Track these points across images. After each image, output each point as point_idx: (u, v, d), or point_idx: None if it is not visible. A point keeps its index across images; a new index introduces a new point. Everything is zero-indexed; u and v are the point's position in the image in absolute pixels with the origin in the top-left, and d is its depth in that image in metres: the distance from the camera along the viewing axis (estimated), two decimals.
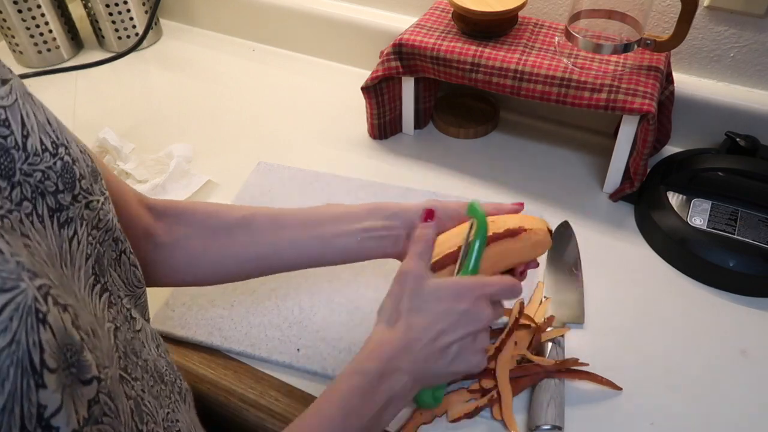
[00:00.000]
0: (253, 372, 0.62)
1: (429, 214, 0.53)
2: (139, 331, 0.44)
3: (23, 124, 0.34)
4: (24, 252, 0.29)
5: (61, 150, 0.36)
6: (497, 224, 0.53)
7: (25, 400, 0.26)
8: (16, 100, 0.34)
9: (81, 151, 0.39)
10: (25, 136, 0.34)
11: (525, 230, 0.53)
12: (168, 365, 0.48)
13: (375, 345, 0.47)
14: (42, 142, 0.35)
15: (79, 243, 0.37)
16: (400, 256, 0.54)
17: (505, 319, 0.60)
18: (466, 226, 0.53)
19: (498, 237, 0.52)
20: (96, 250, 0.39)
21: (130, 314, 0.43)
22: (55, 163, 0.35)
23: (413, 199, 0.79)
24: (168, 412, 0.45)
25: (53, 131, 0.36)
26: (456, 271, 0.51)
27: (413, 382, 0.46)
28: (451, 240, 0.53)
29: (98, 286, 0.39)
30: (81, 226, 0.37)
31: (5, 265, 0.26)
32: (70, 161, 0.37)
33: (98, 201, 0.39)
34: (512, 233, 0.52)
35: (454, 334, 0.46)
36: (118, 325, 0.40)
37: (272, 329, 0.64)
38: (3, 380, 0.25)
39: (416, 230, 0.52)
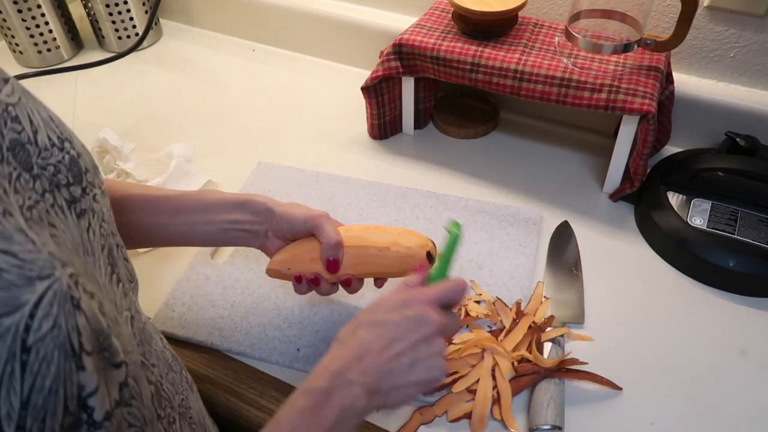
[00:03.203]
0: (253, 372, 0.62)
1: (422, 266, 0.55)
2: (144, 322, 0.45)
3: (31, 121, 0.34)
4: (52, 242, 0.30)
5: (67, 145, 0.37)
6: (376, 233, 0.58)
7: (68, 381, 0.27)
8: (20, 97, 0.35)
9: (82, 146, 0.40)
10: (35, 132, 0.34)
11: (392, 247, 0.57)
12: (173, 357, 0.49)
13: (325, 363, 0.46)
14: (49, 138, 0.35)
15: (94, 233, 0.37)
16: (261, 248, 0.60)
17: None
18: (315, 243, 0.57)
19: (368, 246, 0.57)
20: (108, 242, 0.40)
21: (136, 306, 0.44)
22: (63, 158, 0.36)
23: (413, 199, 0.79)
24: (182, 399, 0.46)
25: (56, 127, 0.37)
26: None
27: (367, 394, 0.44)
28: (306, 253, 0.57)
29: (114, 275, 0.40)
30: (93, 217, 0.38)
31: (39, 255, 0.27)
32: (76, 155, 0.38)
33: (99, 194, 0.40)
34: (382, 248, 0.57)
35: (406, 341, 0.46)
36: (133, 314, 0.41)
37: (272, 329, 0.64)
38: (49, 363, 0.26)
39: (408, 277, 0.53)
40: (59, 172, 0.35)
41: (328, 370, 0.45)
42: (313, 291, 0.59)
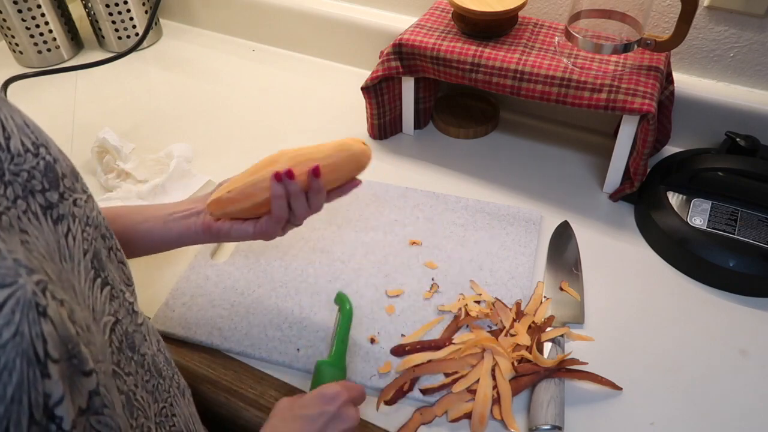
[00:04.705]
0: (253, 372, 0.62)
1: (283, 175, 0.55)
2: (140, 324, 0.44)
3: (3, 127, 0.34)
4: (20, 249, 0.30)
5: (42, 150, 0.37)
6: (308, 149, 0.57)
7: (32, 389, 0.27)
8: None
9: (60, 152, 0.39)
10: (7, 138, 0.34)
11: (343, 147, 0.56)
12: (166, 361, 0.48)
13: None
14: (23, 143, 0.35)
15: (74, 239, 0.37)
16: (204, 226, 0.58)
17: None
18: (257, 167, 0.57)
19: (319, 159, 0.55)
20: (93, 246, 0.39)
21: (133, 308, 0.44)
22: (38, 163, 0.36)
23: (413, 199, 0.79)
24: (163, 407, 0.45)
25: (31, 132, 0.36)
26: (328, 352, 0.58)
27: None
28: (243, 178, 0.57)
29: (99, 279, 0.39)
30: (74, 222, 0.37)
31: (2, 262, 0.27)
32: (52, 161, 0.37)
33: (82, 199, 0.39)
34: (318, 151, 0.56)
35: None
36: (120, 318, 0.41)
37: (272, 329, 0.65)
38: (11, 371, 0.26)
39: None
40: (33, 177, 0.35)
41: None
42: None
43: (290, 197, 0.55)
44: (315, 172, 0.55)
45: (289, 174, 0.54)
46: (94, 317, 0.37)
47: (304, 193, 0.56)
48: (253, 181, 0.56)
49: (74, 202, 0.38)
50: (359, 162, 0.57)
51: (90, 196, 0.41)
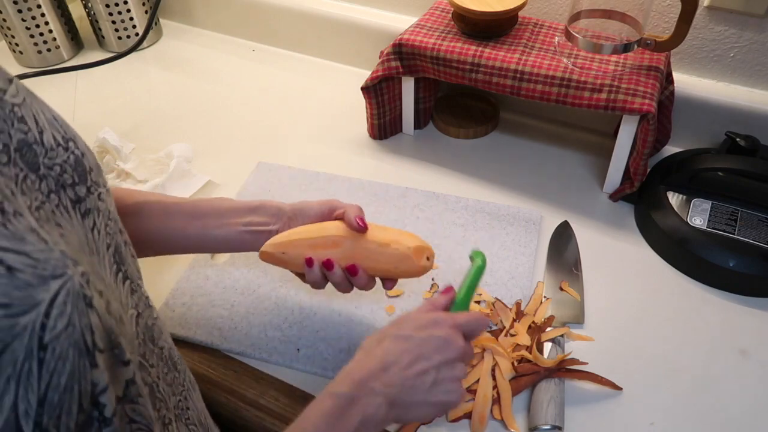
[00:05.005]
0: (253, 372, 0.62)
1: (449, 288, 0.54)
2: (156, 318, 0.45)
3: (36, 121, 0.35)
4: (62, 241, 0.30)
5: (71, 144, 0.37)
6: (376, 230, 0.57)
7: (82, 378, 0.28)
8: (25, 98, 0.35)
9: (86, 146, 0.40)
10: (41, 132, 0.34)
11: (392, 244, 0.56)
12: (179, 356, 0.49)
13: (350, 368, 0.47)
14: (54, 138, 0.36)
15: (99, 233, 0.38)
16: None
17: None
18: (326, 224, 0.58)
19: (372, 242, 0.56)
20: (114, 240, 0.40)
21: (149, 302, 0.44)
22: (68, 157, 0.36)
23: (413, 199, 0.79)
24: (180, 399, 0.46)
25: (61, 127, 0.37)
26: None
27: (388, 406, 0.45)
28: (309, 231, 0.57)
29: (120, 273, 0.40)
30: (98, 216, 0.38)
31: (51, 254, 0.28)
32: (80, 155, 0.38)
33: (104, 193, 0.40)
34: (382, 244, 0.56)
35: (431, 360, 0.47)
36: (140, 311, 0.41)
37: (272, 329, 0.65)
38: (65, 360, 0.27)
39: (434, 297, 0.53)
40: (65, 172, 0.35)
41: (352, 376, 0.46)
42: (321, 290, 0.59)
43: (329, 279, 0.57)
44: (351, 271, 0.56)
45: (328, 265, 0.55)
46: (122, 309, 0.37)
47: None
48: (303, 253, 0.56)
49: (99, 196, 0.39)
50: (414, 275, 0.57)
51: (109, 190, 0.41)
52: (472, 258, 0.56)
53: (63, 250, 0.29)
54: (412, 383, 0.46)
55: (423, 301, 0.53)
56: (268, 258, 0.58)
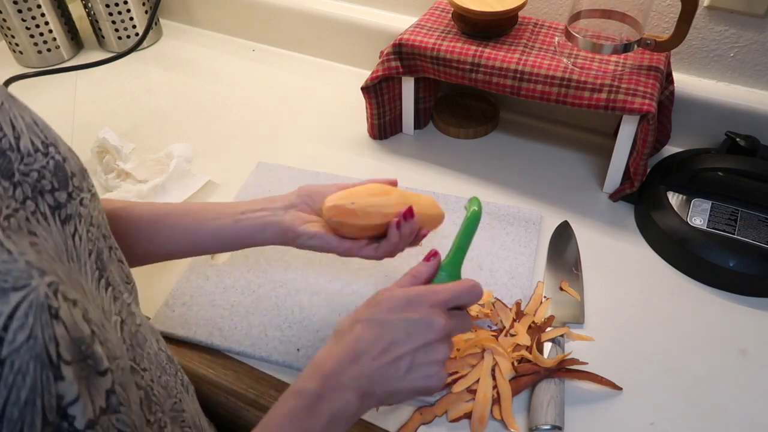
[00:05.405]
0: (253, 372, 0.62)
1: (432, 254, 0.52)
2: (140, 325, 0.44)
3: (13, 126, 0.34)
4: (31, 250, 0.30)
5: (51, 149, 0.36)
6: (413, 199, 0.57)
7: (45, 392, 0.27)
8: (2, 103, 0.34)
9: (68, 150, 0.39)
10: (17, 138, 0.34)
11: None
12: (168, 359, 0.48)
13: (318, 361, 0.45)
14: (33, 143, 0.35)
15: (80, 239, 0.37)
16: (279, 224, 0.56)
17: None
18: (371, 189, 0.56)
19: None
20: (96, 246, 0.39)
21: (130, 309, 0.44)
22: (48, 163, 0.35)
23: None
24: (175, 402, 0.45)
25: (41, 131, 0.36)
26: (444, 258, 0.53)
27: (360, 398, 0.43)
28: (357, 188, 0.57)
29: (103, 280, 0.39)
30: (80, 222, 0.37)
31: (15, 265, 0.27)
32: (61, 160, 0.37)
33: (87, 198, 0.39)
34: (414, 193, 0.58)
35: (406, 345, 0.44)
36: (123, 318, 0.41)
37: (272, 329, 0.65)
38: (24, 374, 0.26)
39: (416, 266, 0.51)
40: (43, 177, 0.35)
41: (320, 371, 0.44)
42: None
43: (402, 231, 0.56)
44: (408, 214, 0.55)
45: (410, 213, 0.55)
46: (104, 316, 0.37)
47: None
48: (376, 203, 0.55)
49: (81, 202, 0.38)
50: (436, 222, 0.61)
51: (94, 195, 0.41)
52: (466, 207, 0.54)
53: (29, 260, 0.28)
54: (384, 372, 0.44)
55: (402, 276, 0.50)
56: (335, 212, 0.54)
